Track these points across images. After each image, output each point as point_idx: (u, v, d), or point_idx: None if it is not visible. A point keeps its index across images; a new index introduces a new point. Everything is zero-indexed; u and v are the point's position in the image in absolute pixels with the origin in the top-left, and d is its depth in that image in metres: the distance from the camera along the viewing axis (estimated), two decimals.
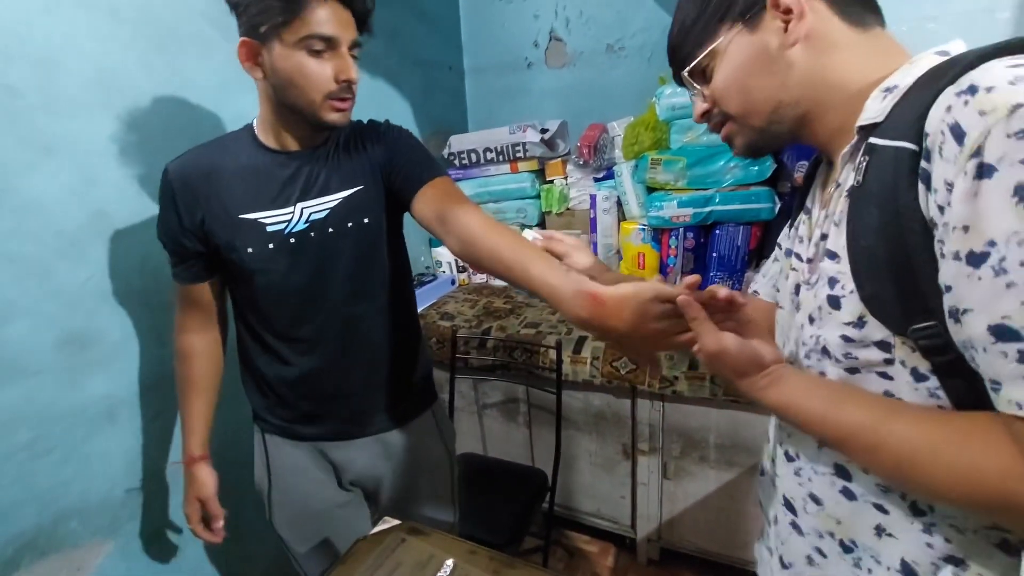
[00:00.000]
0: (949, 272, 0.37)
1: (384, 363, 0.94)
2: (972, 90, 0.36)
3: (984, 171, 0.34)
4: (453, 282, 1.87)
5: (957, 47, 0.45)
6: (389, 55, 1.62)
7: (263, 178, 0.82)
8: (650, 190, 1.53)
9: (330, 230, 0.84)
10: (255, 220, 0.81)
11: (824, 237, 0.51)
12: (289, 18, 0.70)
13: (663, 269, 1.54)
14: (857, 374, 0.47)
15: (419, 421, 1.00)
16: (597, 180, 1.68)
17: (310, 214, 0.83)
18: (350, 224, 0.85)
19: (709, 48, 0.52)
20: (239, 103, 1.15)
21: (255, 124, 0.85)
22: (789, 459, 0.58)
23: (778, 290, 0.63)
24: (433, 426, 1.03)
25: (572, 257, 0.83)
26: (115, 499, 1.04)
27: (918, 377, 0.43)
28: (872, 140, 0.44)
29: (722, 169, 1.39)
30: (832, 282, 0.47)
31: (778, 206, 1.37)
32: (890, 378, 0.45)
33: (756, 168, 1.36)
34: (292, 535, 0.98)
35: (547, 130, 1.69)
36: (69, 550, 0.97)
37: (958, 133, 0.36)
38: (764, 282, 0.73)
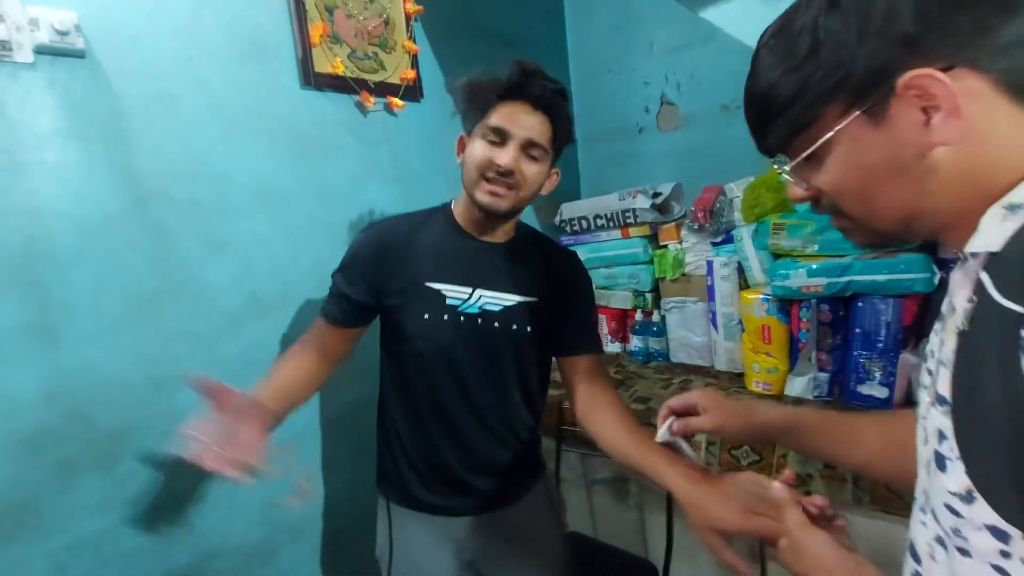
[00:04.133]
0: None
1: (506, 448, 0.98)
2: None
3: None
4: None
5: None
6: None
7: (451, 255, 0.92)
8: (776, 256, 1.39)
9: (495, 324, 0.91)
10: (438, 291, 0.90)
11: (941, 364, 0.41)
12: (481, 115, 0.85)
13: (794, 344, 1.36)
14: (968, 558, 0.36)
15: (533, 494, 1.02)
16: (715, 245, 1.58)
17: (485, 303, 0.91)
18: (514, 327, 0.92)
19: (819, 141, 0.42)
20: (367, 195, 1.32)
21: (453, 205, 0.96)
22: None
23: (919, 402, 0.53)
24: (546, 499, 1.05)
25: (711, 412, 0.73)
26: (249, 544, 1.17)
27: None
28: (983, 278, 0.35)
29: None
30: (940, 436, 0.38)
31: (938, 276, 1.15)
32: (1007, 575, 0.34)
33: None
34: None
35: (659, 194, 1.64)
36: None
37: None
38: None
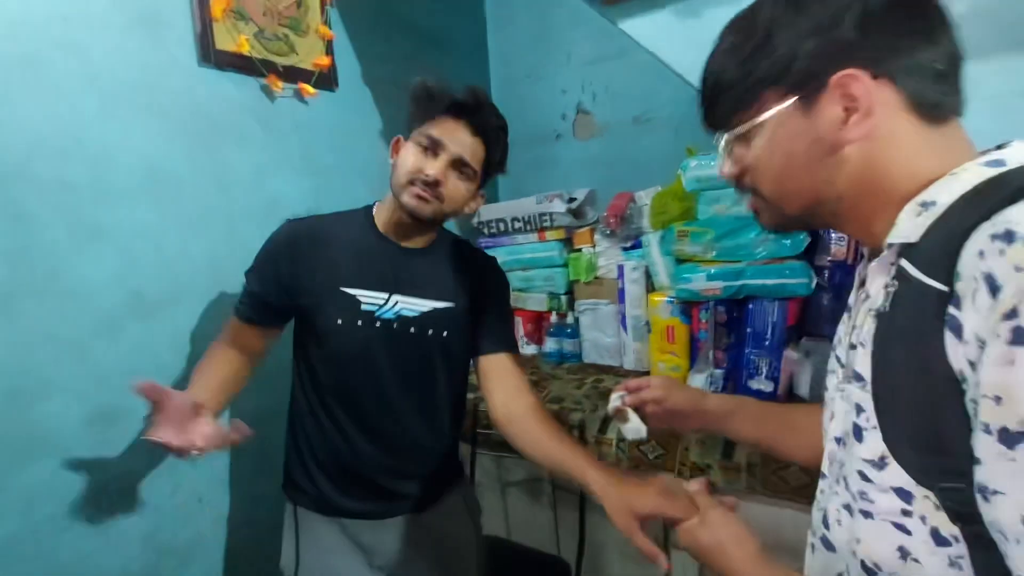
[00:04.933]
0: (980, 444, 0.33)
1: (423, 452, 0.97)
2: (1009, 237, 0.32)
3: (1020, 337, 0.30)
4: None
5: (1016, 154, 0.39)
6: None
7: (369, 259, 0.90)
8: (679, 261, 1.48)
9: (411, 330, 0.90)
10: (354, 296, 0.88)
11: (853, 347, 0.46)
12: (420, 122, 0.87)
13: (694, 344, 1.47)
14: (870, 520, 0.41)
15: (449, 499, 1.01)
16: (625, 250, 1.65)
17: (401, 308, 0.90)
18: (431, 332, 0.92)
19: (753, 121, 0.46)
20: (272, 186, 1.23)
21: (375, 209, 0.95)
22: None
23: (826, 388, 0.58)
24: (461, 503, 1.04)
25: (670, 399, 0.77)
26: (132, 574, 1.04)
27: (939, 540, 0.37)
28: (903, 264, 0.39)
29: (753, 242, 1.34)
30: (858, 410, 0.42)
31: (815, 281, 1.29)
32: (907, 532, 0.39)
33: (789, 241, 1.29)
34: None
35: (574, 199, 1.70)
36: None
37: (992, 285, 0.32)
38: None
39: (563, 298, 1.75)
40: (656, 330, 1.53)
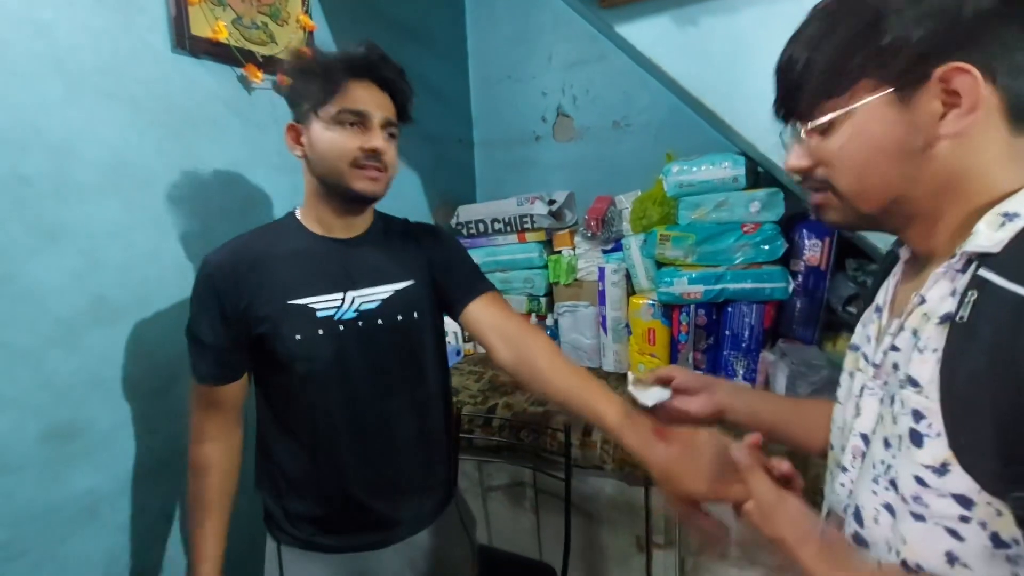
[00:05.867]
0: None
1: (421, 459, 0.90)
2: None
3: None
4: (459, 352, 1.83)
5: None
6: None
7: (312, 262, 0.83)
8: (659, 265, 1.51)
9: (379, 322, 0.84)
10: (305, 305, 0.80)
11: (895, 349, 0.46)
12: (327, 97, 0.77)
13: (674, 346, 1.50)
14: (921, 523, 0.41)
15: (445, 515, 0.95)
16: (605, 252, 1.67)
17: (360, 303, 0.83)
18: (399, 318, 0.85)
19: (846, 109, 0.43)
20: (248, 183, 1.16)
21: (298, 213, 0.87)
22: None
23: (839, 385, 0.58)
24: (457, 519, 0.99)
25: (681, 381, 0.73)
26: None
27: (998, 543, 0.38)
28: (985, 274, 0.39)
29: (732, 247, 1.38)
30: (916, 416, 0.42)
31: (791, 285, 1.34)
32: (960, 538, 0.39)
33: (767, 247, 1.34)
34: None
35: (555, 201, 1.70)
36: None
37: None
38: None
39: (543, 300, 1.74)
40: (637, 332, 1.55)
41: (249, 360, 0.83)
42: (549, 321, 1.73)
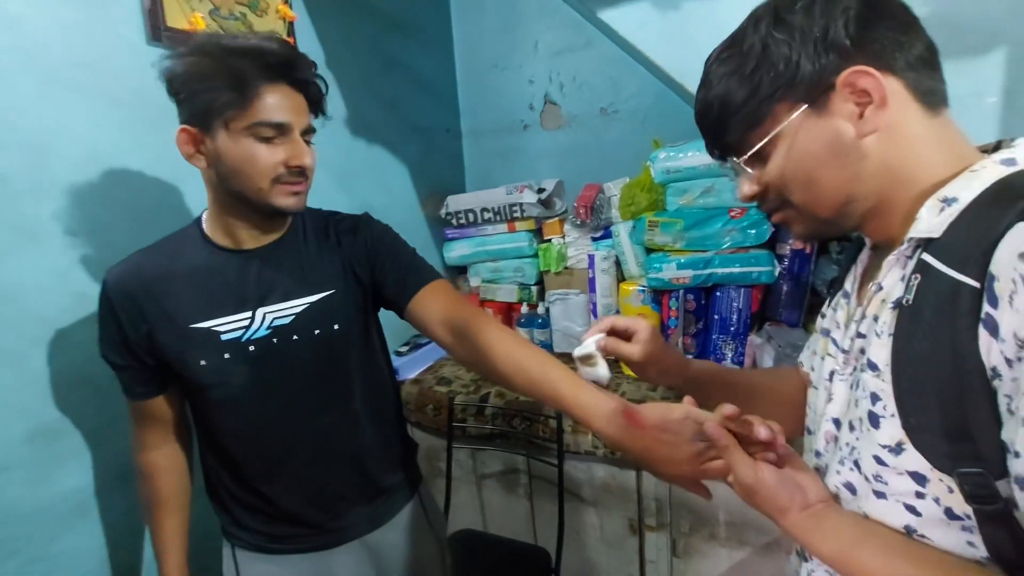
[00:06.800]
0: (1019, 438, 0.34)
1: (360, 470, 0.86)
2: None
3: None
4: (435, 340, 1.83)
5: None
6: (387, 123, 1.63)
7: (216, 281, 0.76)
8: (648, 251, 1.51)
9: (294, 337, 0.78)
10: (208, 329, 0.75)
11: (861, 336, 0.48)
12: (238, 106, 0.67)
13: (664, 330, 1.50)
14: (882, 500, 0.43)
15: (405, 513, 0.92)
16: (595, 239, 1.67)
17: (272, 319, 0.77)
18: (317, 331, 0.79)
19: (772, 133, 0.47)
20: None
21: (203, 220, 0.79)
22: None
23: (812, 369, 0.60)
24: (421, 516, 0.96)
25: (640, 334, 0.69)
26: None
27: (952, 517, 0.40)
28: (927, 258, 0.41)
29: (720, 232, 1.38)
30: (874, 398, 0.44)
31: (778, 269, 1.35)
32: (917, 513, 0.41)
33: (754, 231, 1.34)
34: None
35: (544, 189, 1.69)
36: None
37: None
38: (808, 355, 0.67)
39: (533, 288, 1.74)
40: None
41: (170, 376, 0.79)
42: (540, 310, 1.73)
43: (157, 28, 0.98)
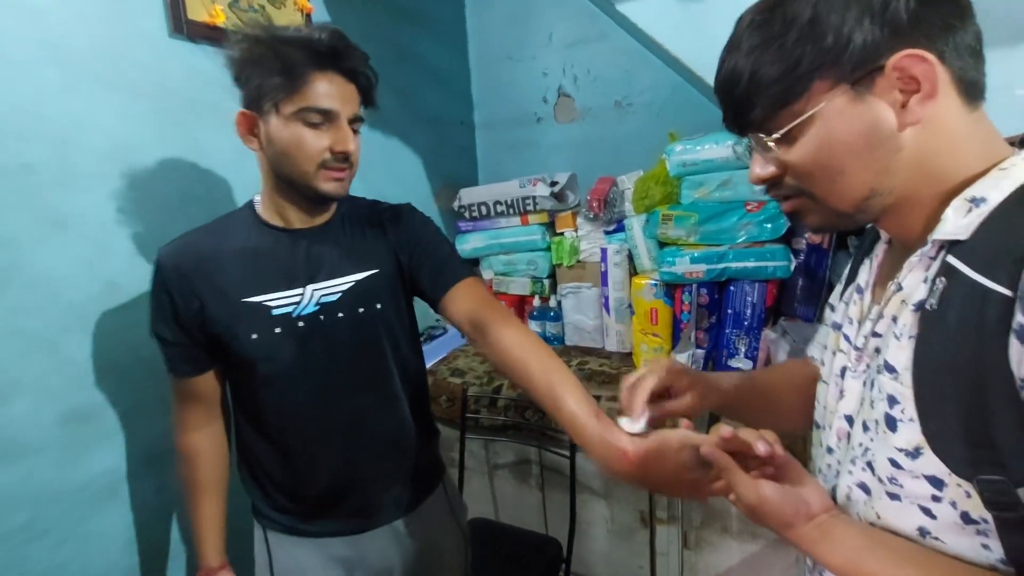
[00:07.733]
0: None
1: (393, 453, 0.89)
2: None
3: None
4: (463, 335, 1.85)
5: None
6: (401, 114, 1.64)
7: (267, 258, 0.79)
8: (662, 245, 1.51)
9: (339, 315, 0.80)
10: (259, 303, 0.78)
11: (877, 335, 0.47)
12: (288, 92, 0.70)
13: (676, 325, 1.50)
14: (896, 501, 0.43)
15: (431, 501, 0.94)
16: (608, 233, 1.67)
17: (320, 296, 0.80)
18: (362, 310, 0.82)
19: (806, 115, 0.42)
20: (253, 168, 1.16)
21: (257, 201, 0.83)
22: None
23: (823, 363, 0.58)
24: (446, 504, 0.98)
25: (691, 396, 0.65)
26: None
27: (968, 520, 0.39)
28: (953, 262, 0.39)
29: (735, 226, 1.37)
30: (891, 401, 0.43)
31: (793, 264, 1.34)
32: (932, 516, 0.41)
33: (770, 226, 1.34)
34: None
35: (557, 183, 1.69)
36: None
37: None
38: (818, 348, 0.65)
39: (546, 282, 1.75)
40: (639, 312, 1.56)
41: (215, 354, 0.81)
42: (552, 303, 1.74)
43: (178, 21, 0.99)
